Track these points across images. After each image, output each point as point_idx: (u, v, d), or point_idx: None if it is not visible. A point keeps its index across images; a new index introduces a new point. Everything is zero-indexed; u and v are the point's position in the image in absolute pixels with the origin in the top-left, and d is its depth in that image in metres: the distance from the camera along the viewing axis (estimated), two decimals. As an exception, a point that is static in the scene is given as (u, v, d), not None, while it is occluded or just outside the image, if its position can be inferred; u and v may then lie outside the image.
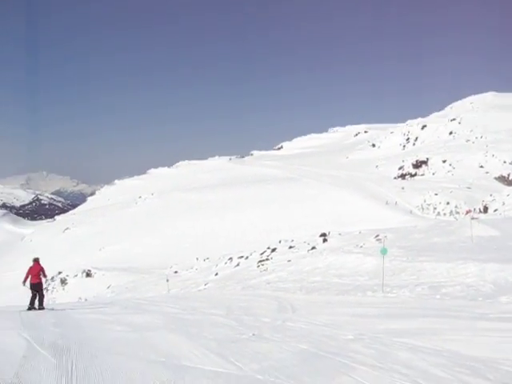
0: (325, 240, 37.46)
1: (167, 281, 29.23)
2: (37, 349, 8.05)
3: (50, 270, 67.06)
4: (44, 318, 12.71)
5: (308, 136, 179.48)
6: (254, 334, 9.13)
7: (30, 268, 17.37)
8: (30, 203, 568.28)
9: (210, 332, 9.53)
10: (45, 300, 17.44)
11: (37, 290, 17.09)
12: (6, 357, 7.54)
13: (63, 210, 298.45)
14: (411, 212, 67.64)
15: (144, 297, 26.78)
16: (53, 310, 16.78)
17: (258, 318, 11.67)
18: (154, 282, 39.69)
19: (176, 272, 43.17)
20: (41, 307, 16.83)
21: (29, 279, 17.09)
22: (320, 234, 41.61)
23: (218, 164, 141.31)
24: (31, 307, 16.61)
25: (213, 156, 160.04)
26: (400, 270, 20.05)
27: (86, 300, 37.45)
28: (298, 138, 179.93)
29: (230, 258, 40.40)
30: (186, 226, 75.85)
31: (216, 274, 34.57)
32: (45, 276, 17.75)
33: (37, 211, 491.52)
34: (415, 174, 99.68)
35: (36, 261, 17.73)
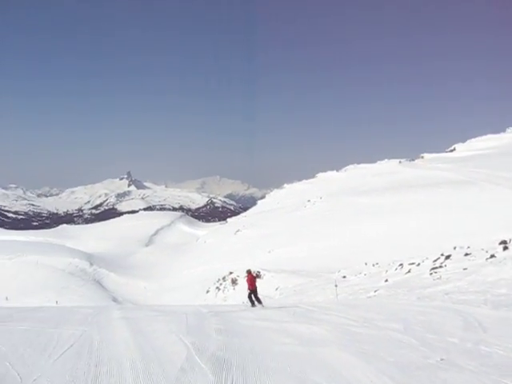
0: (505, 248, 34.08)
1: (336, 286, 27.92)
2: (196, 360, 7.40)
3: (221, 269, 69.24)
4: (209, 323, 12.15)
5: (484, 137, 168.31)
6: (442, 359, 7.68)
7: (248, 278, 21.67)
8: (205, 206, 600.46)
9: (389, 352, 8.25)
10: (215, 300, 18.62)
11: (255, 293, 21.19)
12: (162, 367, 6.97)
13: (235, 213, 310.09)
14: None
15: (312, 302, 25.93)
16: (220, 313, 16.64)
17: (443, 336, 10.03)
18: (321, 286, 38.84)
19: (344, 277, 41.98)
20: (260, 304, 20.49)
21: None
22: (500, 241, 38.04)
23: (387, 167, 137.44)
24: (253, 305, 20.54)
25: (382, 159, 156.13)
26: None
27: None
28: (473, 139, 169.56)
29: (401, 264, 38.35)
30: (353, 229, 74.28)
31: (386, 281, 32.85)
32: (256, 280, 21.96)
33: (211, 213, 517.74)
34: None
35: (249, 272, 22.16)
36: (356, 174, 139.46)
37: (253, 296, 21.08)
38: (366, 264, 47.01)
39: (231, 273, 65.46)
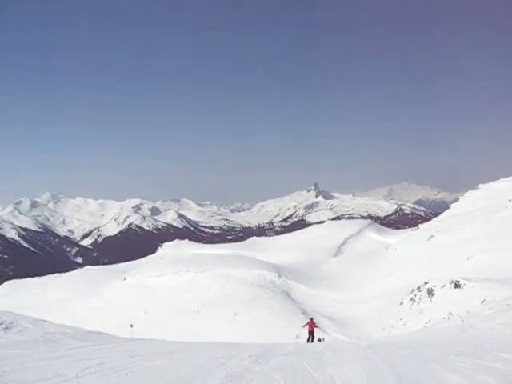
0: None
1: None
2: None
3: (415, 278, 63.97)
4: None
5: None
6: None
7: (309, 323, 28.81)
8: (393, 213, 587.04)
9: None
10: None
11: (312, 335, 28.06)
12: None
13: (425, 219, 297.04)
14: None
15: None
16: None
17: None
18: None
19: None
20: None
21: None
22: None
23: None
24: (308, 341, 27.90)
25: None
26: None
27: (462, 321, 32.15)
28: None
29: None
30: None
31: None
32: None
33: (400, 221, 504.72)
34: None
35: (311, 319, 29.65)
36: None
37: (310, 338, 27.86)
38: None
39: (426, 283, 59.82)
